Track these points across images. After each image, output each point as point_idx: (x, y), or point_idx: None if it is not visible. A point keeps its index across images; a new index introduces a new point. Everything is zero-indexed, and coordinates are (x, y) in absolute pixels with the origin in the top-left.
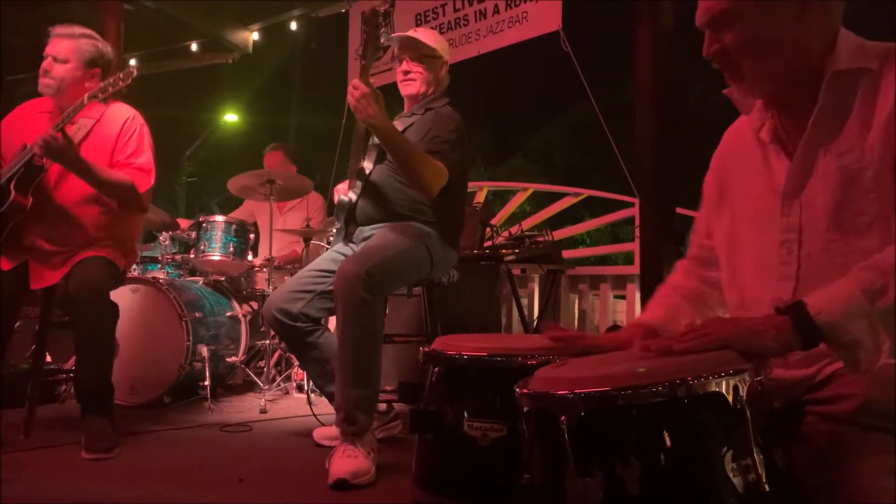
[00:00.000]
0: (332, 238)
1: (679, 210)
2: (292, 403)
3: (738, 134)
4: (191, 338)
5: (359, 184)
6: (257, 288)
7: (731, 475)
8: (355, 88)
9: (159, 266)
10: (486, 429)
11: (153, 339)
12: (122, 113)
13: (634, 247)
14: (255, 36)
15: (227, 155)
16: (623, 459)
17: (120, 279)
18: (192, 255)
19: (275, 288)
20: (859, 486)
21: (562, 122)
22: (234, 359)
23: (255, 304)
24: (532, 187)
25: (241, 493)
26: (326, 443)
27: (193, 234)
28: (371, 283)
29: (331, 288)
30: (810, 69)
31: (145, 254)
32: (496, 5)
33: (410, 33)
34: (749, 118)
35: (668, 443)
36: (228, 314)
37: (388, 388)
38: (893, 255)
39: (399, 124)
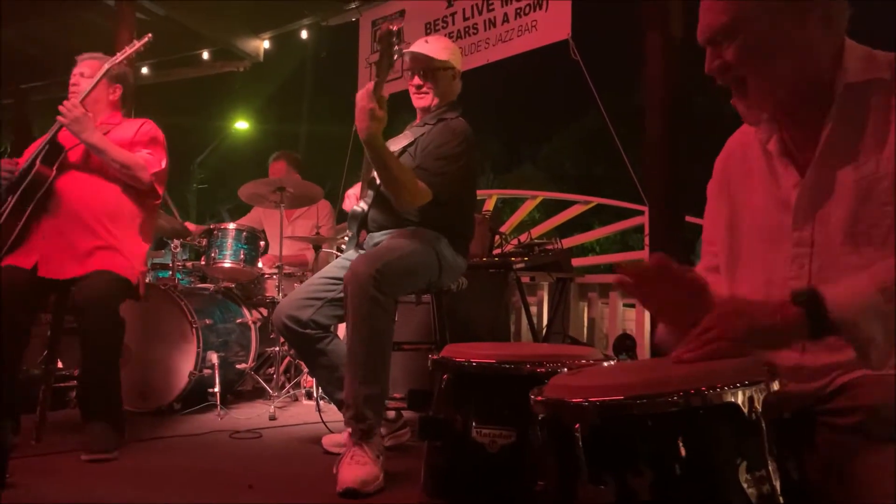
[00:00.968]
0: (343, 246)
1: (688, 218)
2: (301, 410)
3: (742, 143)
4: (201, 344)
5: (370, 193)
6: (267, 295)
7: (745, 486)
8: (360, 100)
9: (170, 273)
10: (494, 436)
11: (164, 345)
12: (138, 120)
13: (644, 255)
14: (266, 44)
15: (237, 162)
16: (636, 469)
17: (134, 292)
18: (202, 263)
19: (284, 295)
20: (871, 498)
21: (572, 131)
22: (243, 365)
23: (265, 311)
24: (541, 195)
25: (250, 500)
26: (335, 450)
27: (204, 242)
28: (382, 281)
29: (340, 295)
30: (817, 81)
31: (156, 260)
32: (506, 14)
33: (422, 44)
34: (757, 129)
35: (683, 453)
36: (238, 321)
37: (396, 395)
38: None
39: (410, 134)
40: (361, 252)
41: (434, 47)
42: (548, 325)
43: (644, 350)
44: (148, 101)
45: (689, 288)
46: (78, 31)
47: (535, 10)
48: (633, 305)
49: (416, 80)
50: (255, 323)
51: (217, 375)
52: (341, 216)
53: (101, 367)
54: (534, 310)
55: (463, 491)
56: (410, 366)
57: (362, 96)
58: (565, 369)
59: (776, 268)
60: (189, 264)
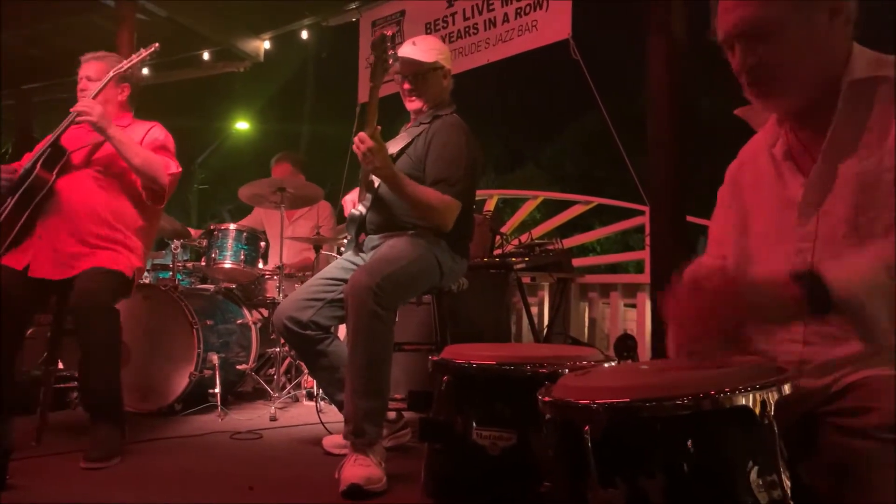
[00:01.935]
0: (342, 248)
1: (690, 218)
2: (302, 411)
3: (754, 149)
4: (201, 345)
5: (369, 196)
6: (268, 296)
7: (755, 491)
8: (361, 142)
9: (171, 273)
10: (495, 438)
11: (164, 346)
12: (147, 124)
13: (645, 255)
14: (267, 45)
15: (238, 163)
16: (646, 471)
17: (128, 287)
18: (203, 263)
19: (285, 296)
20: (879, 500)
21: (572, 131)
22: (244, 366)
23: (265, 312)
24: (542, 195)
25: (251, 501)
26: (336, 451)
27: (205, 243)
28: (382, 295)
29: (341, 296)
30: (832, 80)
31: (157, 261)
32: (506, 14)
33: (409, 47)
34: (763, 134)
35: (693, 456)
36: (239, 322)
37: (397, 396)
38: None
39: (406, 135)
40: (362, 255)
41: (421, 49)
42: (549, 326)
43: (645, 350)
44: (148, 101)
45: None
46: (79, 32)
47: (535, 10)
48: (633, 306)
49: (406, 85)
50: (255, 324)
51: (218, 376)
52: (341, 217)
53: (99, 364)
54: (534, 310)
55: (464, 493)
56: (411, 366)
57: (358, 143)
58: (567, 370)
59: (780, 265)
60: (189, 265)
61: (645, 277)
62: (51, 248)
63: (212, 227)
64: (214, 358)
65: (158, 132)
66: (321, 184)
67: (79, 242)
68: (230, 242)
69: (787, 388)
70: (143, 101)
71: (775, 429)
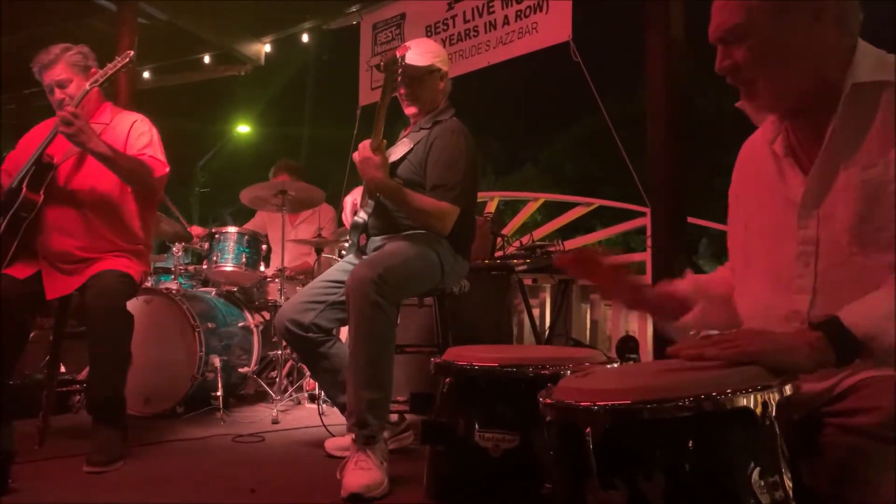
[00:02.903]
0: (343, 251)
1: (690, 219)
2: (304, 414)
3: (754, 146)
4: (203, 348)
5: (371, 202)
6: (269, 298)
7: (757, 492)
8: (363, 151)
9: (172, 277)
10: (497, 440)
11: (166, 349)
12: (131, 117)
13: (646, 256)
14: (268, 48)
15: (239, 166)
16: (647, 473)
17: (136, 289)
18: (204, 266)
19: (287, 299)
20: (880, 500)
21: (573, 132)
22: (246, 369)
23: (267, 315)
24: (543, 197)
25: (253, 503)
26: (338, 453)
27: (206, 245)
28: (383, 286)
29: (342, 299)
30: (827, 81)
31: (158, 264)
32: (506, 16)
33: (401, 51)
34: (764, 129)
35: (694, 458)
36: (241, 325)
37: (399, 398)
38: None
39: (408, 141)
40: (363, 256)
41: (415, 54)
42: (550, 328)
43: (647, 352)
44: (149, 105)
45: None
46: (79, 36)
47: (535, 13)
48: None
49: (402, 91)
50: (257, 326)
51: (220, 379)
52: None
53: (108, 366)
54: (536, 312)
55: (466, 495)
56: (413, 369)
57: (361, 153)
58: (568, 372)
59: (782, 266)
60: (191, 268)
61: (646, 279)
62: (56, 269)
63: (213, 230)
64: (216, 361)
65: (142, 125)
66: (322, 187)
67: (80, 257)
68: (231, 245)
69: (788, 390)
70: (145, 105)
71: (776, 429)
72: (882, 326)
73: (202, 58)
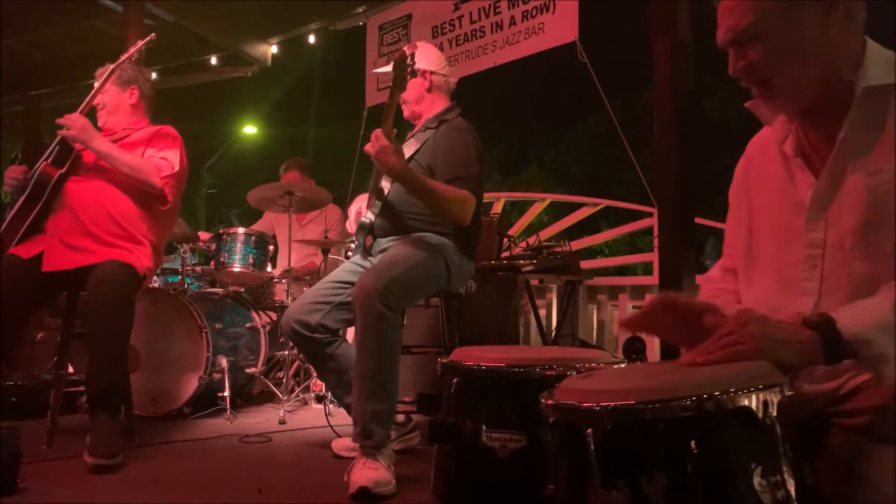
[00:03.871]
0: (349, 252)
1: (698, 220)
2: (311, 414)
3: (761, 145)
4: (210, 349)
5: (377, 203)
6: (276, 299)
7: (759, 492)
8: (377, 140)
9: (180, 277)
10: (504, 440)
11: (173, 350)
12: (157, 125)
13: (653, 257)
14: (274, 49)
15: (246, 167)
16: (649, 473)
17: (138, 281)
18: (212, 267)
19: (293, 299)
20: (884, 500)
21: (579, 132)
22: (253, 370)
23: (273, 315)
24: (550, 197)
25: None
26: (345, 454)
27: (214, 246)
28: (389, 297)
29: (349, 299)
30: (838, 81)
31: (166, 265)
32: (512, 17)
33: (385, 62)
34: (772, 129)
35: (696, 458)
36: (248, 325)
37: (406, 399)
38: None
39: (415, 141)
40: (370, 259)
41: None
42: (557, 328)
43: (654, 353)
44: (156, 106)
45: (700, 316)
46: (86, 37)
47: (542, 13)
48: (642, 307)
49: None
50: (264, 327)
51: (227, 379)
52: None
53: (107, 356)
54: (543, 313)
55: (473, 495)
56: (419, 369)
57: (374, 142)
58: (575, 372)
59: (789, 269)
60: (198, 269)
61: (653, 279)
62: (60, 243)
63: (220, 231)
64: (223, 361)
65: (165, 129)
66: (328, 187)
67: (88, 238)
68: (239, 246)
69: (790, 389)
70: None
71: (778, 429)
72: (871, 334)
73: (209, 59)
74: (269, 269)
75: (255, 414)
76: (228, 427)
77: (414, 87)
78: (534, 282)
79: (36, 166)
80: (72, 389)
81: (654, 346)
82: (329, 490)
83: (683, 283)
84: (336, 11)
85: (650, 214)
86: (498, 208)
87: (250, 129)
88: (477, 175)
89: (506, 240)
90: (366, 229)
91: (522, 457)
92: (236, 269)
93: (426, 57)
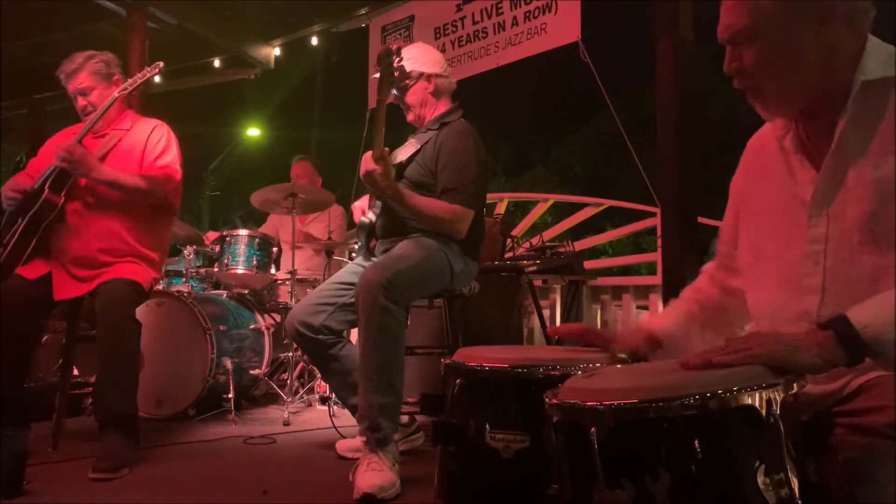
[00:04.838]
0: (353, 253)
1: (701, 219)
2: (315, 415)
3: (762, 141)
4: (215, 351)
5: (378, 203)
6: (280, 301)
7: (763, 490)
8: (364, 164)
9: (184, 279)
10: (508, 440)
11: (178, 352)
12: (150, 123)
13: (657, 257)
14: (277, 51)
15: (249, 169)
16: (653, 472)
17: (144, 297)
18: (216, 269)
19: (297, 301)
20: (890, 499)
21: (582, 133)
22: (257, 371)
23: (278, 317)
24: (553, 198)
25: None
26: (349, 455)
27: (217, 248)
28: (392, 290)
29: (352, 300)
30: (836, 82)
31: (170, 267)
32: (515, 17)
33: (394, 44)
34: (773, 124)
35: (699, 456)
36: (252, 327)
37: (410, 399)
38: None
39: (416, 141)
40: (373, 259)
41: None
42: None
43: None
44: (159, 108)
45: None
46: (90, 40)
47: (544, 13)
48: (646, 307)
49: (394, 100)
50: (268, 328)
51: (231, 381)
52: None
53: (118, 375)
54: (546, 313)
55: (477, 496)
56: (423, 370)
57: (364, 165)
58: (579, 372)
59: (792, 265)
60: (202, 271)
61: (657, 279)
62: (67, 271)
63: (224, 234)
64: (228, 363)
65: (160, 131)
66: (332, 189)
67: (94, 260)
68: (242, 248)
69: (793, 388)
70: (155, 109)
71: (781, 427)
72: (888, 334)
73: (212, 61)
74: (272, 270)
75: (260, 415)
76: (233, 429)
77: (418, 92)
78: (537, 282)
79: (34, 185)
80: (77, 392)
81: None
82: (333, 491)
83: (686, 283)
84: (338, 13)
85: (654, 214)
86: (501, 209)
87: (254, 132)
88: (473, 181)
89: (509, 240)
90: (367, 229)
91: (526, 457)
92: (240, 271)
93: (428, 60)
